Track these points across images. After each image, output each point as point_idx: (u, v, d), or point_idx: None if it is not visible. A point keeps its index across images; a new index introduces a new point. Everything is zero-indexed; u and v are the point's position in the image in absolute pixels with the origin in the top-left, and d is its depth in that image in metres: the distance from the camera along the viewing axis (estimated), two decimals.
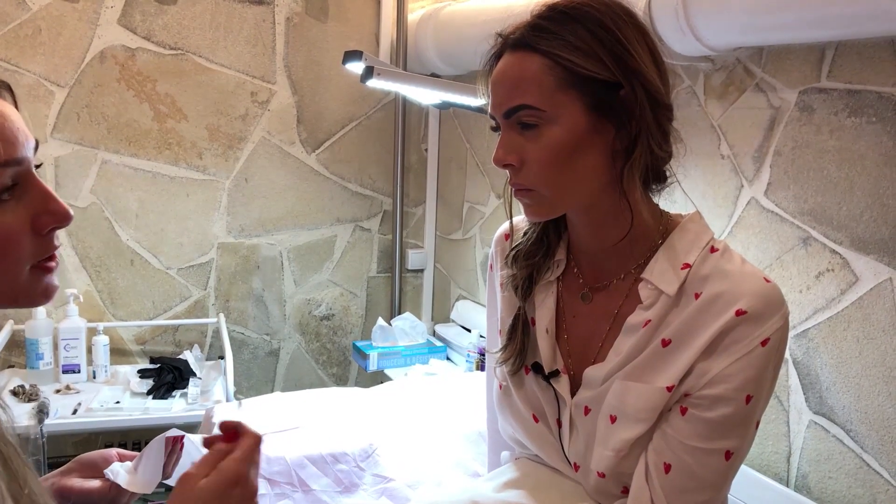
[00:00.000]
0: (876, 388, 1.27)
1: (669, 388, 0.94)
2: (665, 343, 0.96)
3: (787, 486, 1.42)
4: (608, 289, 1.03)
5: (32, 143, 0.76)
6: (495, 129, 0.99)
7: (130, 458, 1.05)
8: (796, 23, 1.26)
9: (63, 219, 0.77)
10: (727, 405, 0.92)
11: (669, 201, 1.05)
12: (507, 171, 0.97)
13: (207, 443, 0.90)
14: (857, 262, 1.29)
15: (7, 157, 0.71)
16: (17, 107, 0.76)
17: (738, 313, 0.91)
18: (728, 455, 0.93)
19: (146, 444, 1.10)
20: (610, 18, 0.92)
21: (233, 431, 0.88)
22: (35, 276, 0.77)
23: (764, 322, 0.91)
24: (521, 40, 0.94)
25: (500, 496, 1.07)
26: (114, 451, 1.06)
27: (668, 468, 0.94)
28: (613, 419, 0.98)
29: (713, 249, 0.98)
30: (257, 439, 0.88)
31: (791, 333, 1.40)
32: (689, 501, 0.94)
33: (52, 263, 0.79)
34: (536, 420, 1.09)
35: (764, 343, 0.91)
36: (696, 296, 0.95)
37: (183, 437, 1.02)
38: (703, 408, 0.93)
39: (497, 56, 0.97)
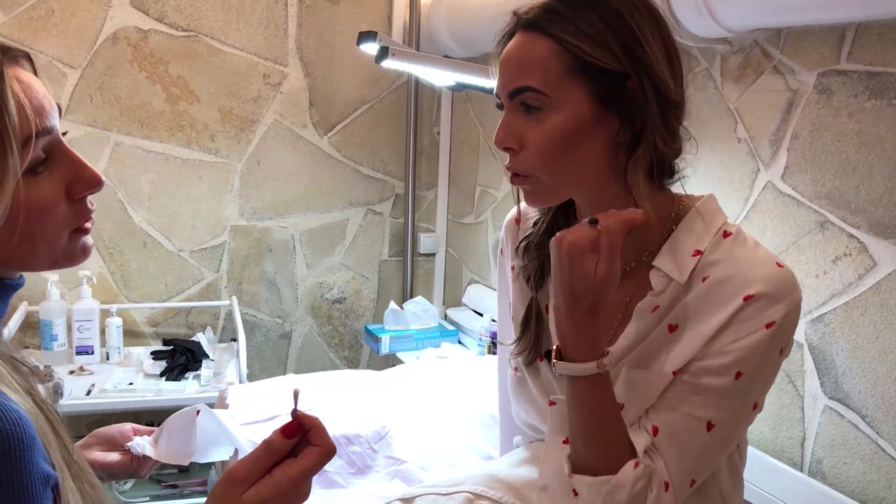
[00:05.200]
0: (892, 374, 1.26)
1: (675, 373, 0.95)
2: (671, 328, 0.96)
3: (802, 471, 1.42)
4: (620, 277, 1.03)
5: (56, 110, 0.77)
6: (501, 107, 0.98)
7: (146, 433, 1.08)
8: (816, 3, 1.25)
9: (95, 184, 0.78)
10: (715, 376, 0.92)
11: (683, 183, 1.04)
12: (507, 153, 0.97)
13: (284, 430, 0.76)
14: (875, 246, 1.28)
15: (39, 127, 0.72)
16: (36, 74, 0.77)
17: (746, 298, 0.90)
18: (710, 426, 0.93)
19: (160, 423, 1.13)
20: (626, 8, 0.91)
21: (295, 427, 0.76)
22: (73, 238, 0.79)
23: (771, 305, 0.90)
24: (532, 21, 0.93)
25: (517, 471, 1.07)
26: (129, 425, 1.08)
27: (655, 431, 0.95)
28: (622, 406, 0.98)
29: (726, 234, 0.97)
30: (329, 454, 0.77)
31: (807, 318, 1.39)
32: (674, 467, 0.94)
33: (89, 224, 0.81)
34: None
35: (769, 326, 0.90)
36: (704, 279, 0.94)
37: (199, 410, 1.04)
38: (692, 374, 0.94)
39: (510, 35, 0.96)
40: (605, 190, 0.97)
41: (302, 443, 0.76)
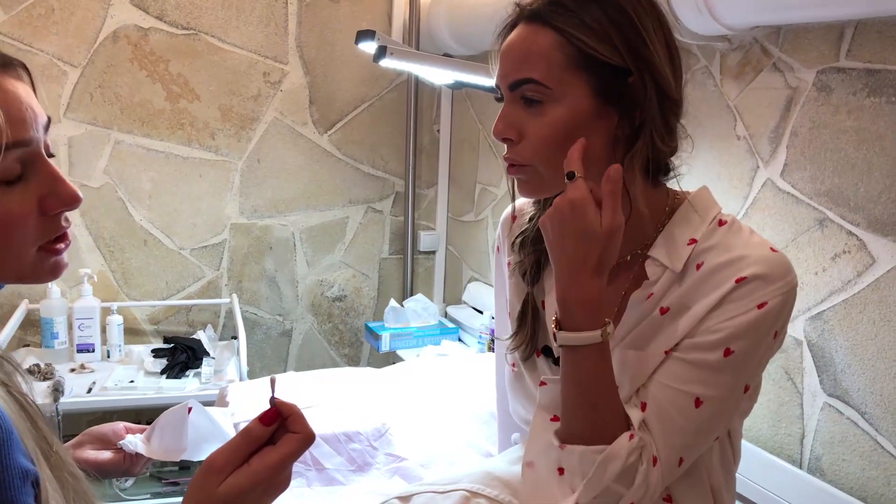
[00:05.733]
0: (891, 371, 1.26)
1: (667, 353, 0.95)
2: (663, 311, 0.97)
3: (801, 468, 1.42)
4: (616, 270, 1.03)
5: (43, 122, 0.75)
6: (499, 99, 0.98)
7: (138, 431, 1.09)
8: (815, 0, 1.25)
9: (71, 202, 0.76)
10: (705, 352, 0.92)
11: (680, 181, 1.04)
12: (505, 144, 0.97)
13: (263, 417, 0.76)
14: (874, 243, 1.28)
15: (14, 138, 0.70)
16: (33, 86, 0.75)
17: (739, 280, 0.91)
18: (698, 402, 0.93)
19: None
20: (629, 4, 0.91)
21: (273, 414, 0.75)
22: (42, 255, 0.77)
23: (764, 287, 0.90)
24: (536, 13, 0.93)
25: (514, 468, 1.07)
26: (121, 424, 1.08)
27: (643, 407, 0.95)
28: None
29: (721, 223, 0.98)
30: (307, 440, 0.76)
31: (806, 315, 1.40)
32: (661, 442, 0.94)
33: (62, 245, 0.79)
34: None
35: (761, 306, 0.90)
36: (698, 266, 0.95)
37: (190, 408, 1.06)
38: (683, 350, 0.94)
39: (512, 25, 0.97)
40: (600, 184, 0.97)
41: (280, 430, 0.76)
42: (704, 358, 0.92)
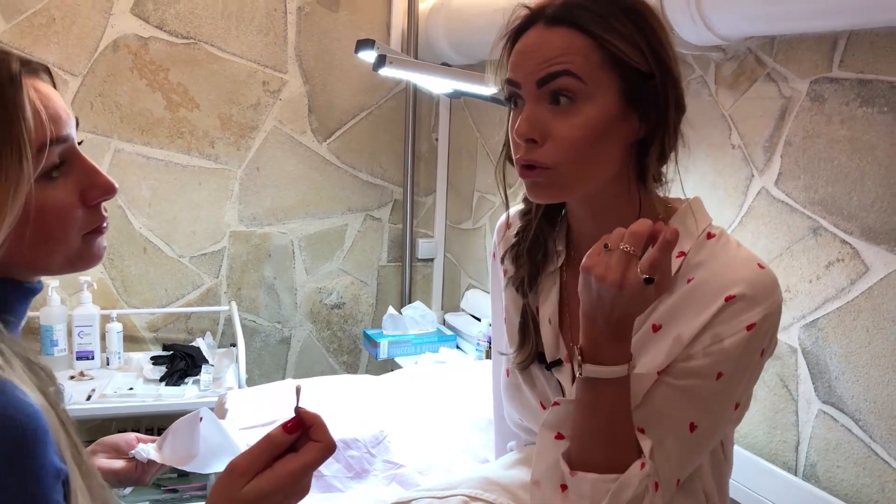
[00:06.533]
0: (885, 378, 1.27)
1: (660, 372, 0.95)
2: (655, 328, 0.96)
3: (796, 475, 1.43)
4: None
5: (74, 121, 0.80)
6: (509, 99, 0.97)
7: (150, 442, 1.10)
8: (808, 12, 1.26)
9: (109, 191, 0.81)
10: (697, 378, 0.92)
11: (672, 190, 1.05)
12: (525, 146, 0.94)
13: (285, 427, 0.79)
14: (867, 251, 1.29)
15: (55, 135, 0.75)
16: (55, 87, 0.81)
17: (728, 299, 0.91)
18: (693, 427, 0.93)
19: (160, 430, 1.15)
20: (646, 11, 0.93)
21: (297, 422, 0.78)
22: (87, 241, 0.82)
23: (752, 307, 0.91)
24: (562, 16, 0.92)
25: (510, 472, 1.08)
26: (133, 434, 1.10)
27: (641, 432, 0.95)
28: None
29: (710, 236, 0.98)
30: (329, 450, 0.79)
31: (800, 323, 1.41)
32: (661, 468, 0.94)
33: (105, 224, 0.83)
34: (544, 408, 1.10)
35: (749, 328, 0.91)
36: (688, 281, 0.95)
37: (201, 417, 1.07)
38: (674, 376, 0.94)
39: (522, 28, 0.95)
40: (609, 189, 0.97)
41: (303, 438, 0.78)
42: (698, 385, 0.92)
